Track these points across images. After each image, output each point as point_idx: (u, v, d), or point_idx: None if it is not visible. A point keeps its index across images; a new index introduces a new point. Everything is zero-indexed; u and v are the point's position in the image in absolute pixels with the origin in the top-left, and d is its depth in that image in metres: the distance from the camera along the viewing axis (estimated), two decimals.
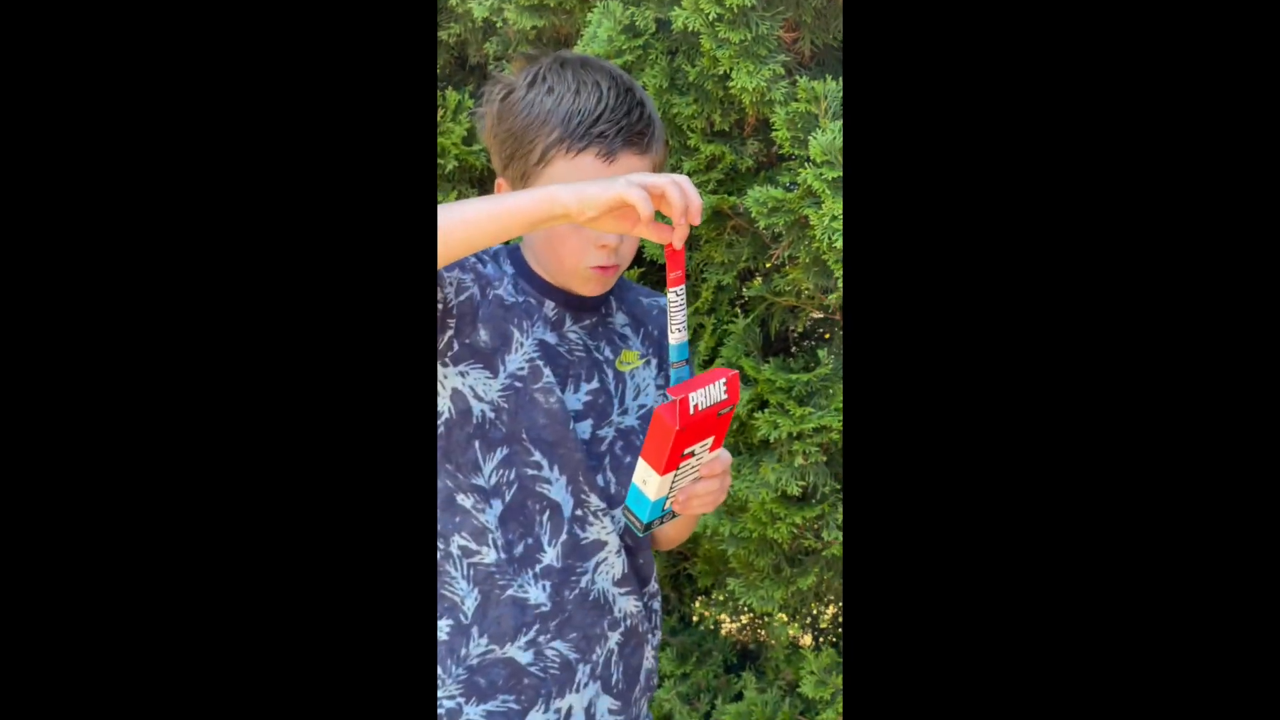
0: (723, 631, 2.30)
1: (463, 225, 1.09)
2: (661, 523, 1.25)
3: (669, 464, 1.17)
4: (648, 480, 1.19)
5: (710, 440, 1.20)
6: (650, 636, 1.41)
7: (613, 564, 1.35)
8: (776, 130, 1.89)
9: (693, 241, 2.09)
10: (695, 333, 2.11)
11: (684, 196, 1.10)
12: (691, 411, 1.14)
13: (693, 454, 1.19)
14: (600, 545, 1.34)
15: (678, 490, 1.22)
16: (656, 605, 1.43)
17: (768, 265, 2.04)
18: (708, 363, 2.07)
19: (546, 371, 1.31)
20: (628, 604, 1.37)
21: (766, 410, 1.94)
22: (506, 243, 1.60)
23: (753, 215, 1.91)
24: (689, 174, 2.03)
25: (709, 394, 1.15)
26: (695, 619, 2.32)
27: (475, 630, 1.32)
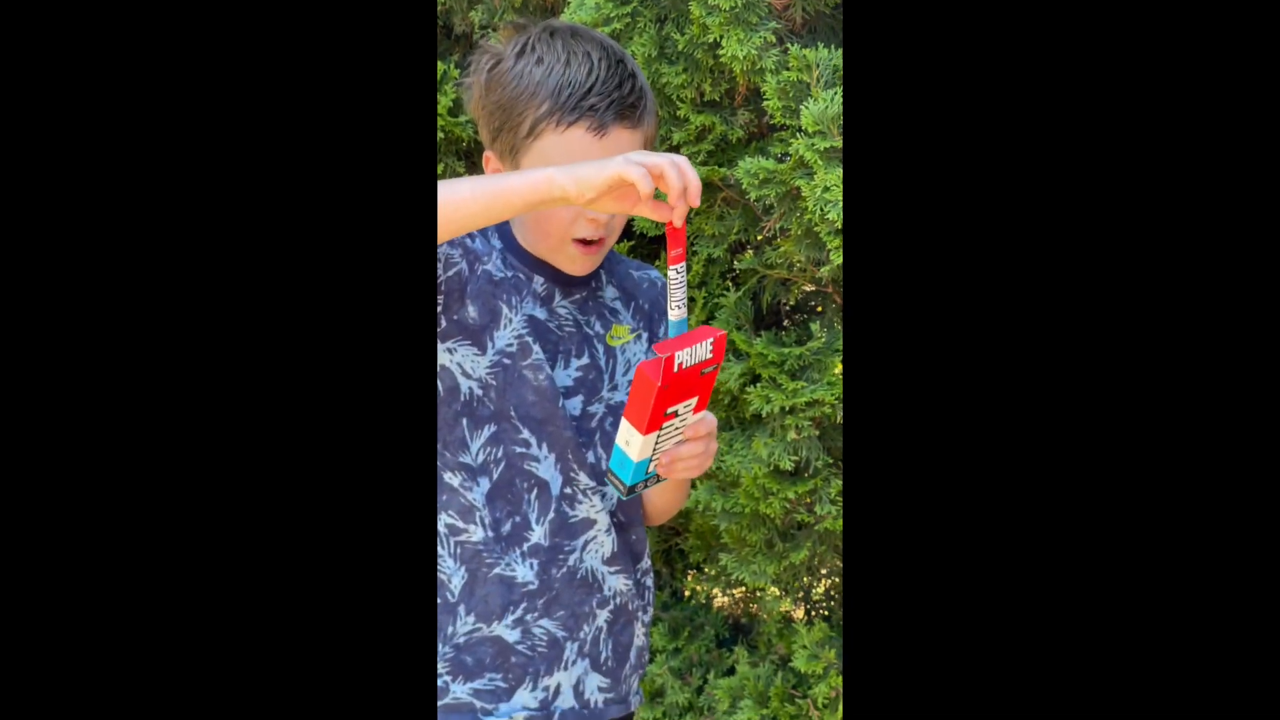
0: (715, 606, 2.29)
1: (456, 205, 1.07)
2: (646, 486, 1.23)
3: (651, 423, 1.15)
4: (630, 441, 1.17)
5: (694, 401, 1.19)
6: (641, 614, 1.39)
7: (602, 542, 1.34)
8: (768, 99, 1.86)
9: None
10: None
11: (682, 177, 1.08)
12: (676, 369, 1.13)
13: (676, 414, 1.18)
14: (589, 524, 1.33)
15: (661, 453, 1.20)
16: (649, 582, 1.41)
17: (759, 238, 2.02)
18: None
19: (535, 348, 1.29)
20: (617, 582, 1.35)
21: (758, 385, 1.92)
22: None
23: (744, 187, 1.89)
24: (678, 145, 2.01)
25: (695, 353, 1.14)
26: (687, 594, 2.31)
27: (462, 609, 1.30)
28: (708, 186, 1.99)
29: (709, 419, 1.23)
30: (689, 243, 2.08)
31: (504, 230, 1.34)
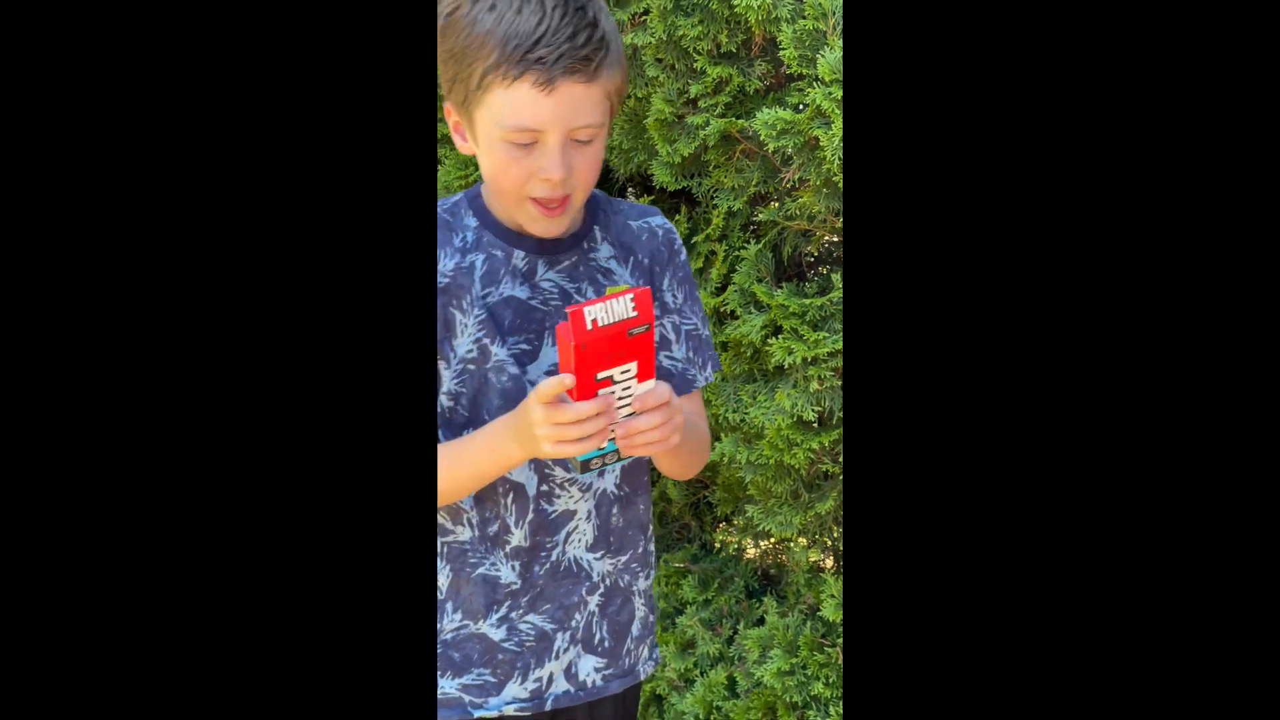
0: (744, 557, 2.31)
1: (445, 491, 1.23)
2: (605, 462, 1.17)
3: (582, 388, 1.10)
4: None
5: (633, 367, 1.12)
6: (638, 584, 1.37)
7: (584, 531, 1.32)
8: (784, 49, 1.83)
9: (702, 167, 2.05)
10: (707, 260, 2.07)
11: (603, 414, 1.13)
12: (589, 326, 1.08)
13: (612, 380, 1.12)
14: (569, 515, 1.31)
15: (617, 427, 1.14)
16: (652, 547, 1.39)
17: (779, 189, 2.00)
18: (720, 290, 2.04)
19: (494, 348, 1.27)
20: (603, 565, 1.34)
21: (780, 336, 1.91)
22: (466, 187, 1.54)
23: (762, 138, 1.86)
24: (696, 98, 1.98)
25: (611, 309, 1.09)
26: (716, 546, 2.33)
27: (449, 606, 1.31)
28: (726, 139, 1.96)
29: (662, 388, 1.15)
30: (709, 195, 2.06)
31: (477, 205, 1.29)
